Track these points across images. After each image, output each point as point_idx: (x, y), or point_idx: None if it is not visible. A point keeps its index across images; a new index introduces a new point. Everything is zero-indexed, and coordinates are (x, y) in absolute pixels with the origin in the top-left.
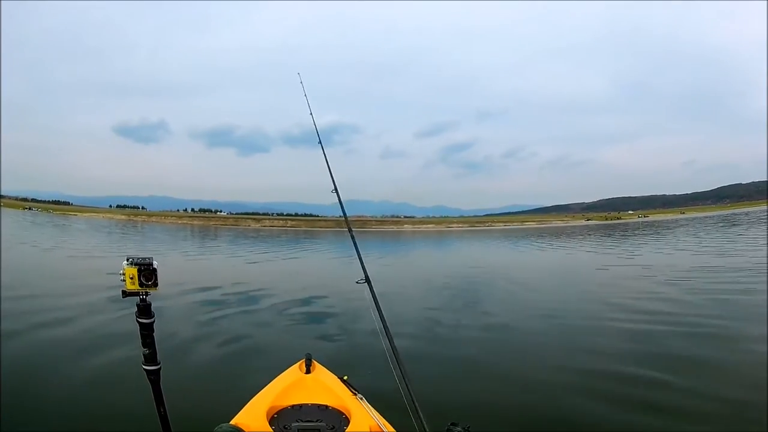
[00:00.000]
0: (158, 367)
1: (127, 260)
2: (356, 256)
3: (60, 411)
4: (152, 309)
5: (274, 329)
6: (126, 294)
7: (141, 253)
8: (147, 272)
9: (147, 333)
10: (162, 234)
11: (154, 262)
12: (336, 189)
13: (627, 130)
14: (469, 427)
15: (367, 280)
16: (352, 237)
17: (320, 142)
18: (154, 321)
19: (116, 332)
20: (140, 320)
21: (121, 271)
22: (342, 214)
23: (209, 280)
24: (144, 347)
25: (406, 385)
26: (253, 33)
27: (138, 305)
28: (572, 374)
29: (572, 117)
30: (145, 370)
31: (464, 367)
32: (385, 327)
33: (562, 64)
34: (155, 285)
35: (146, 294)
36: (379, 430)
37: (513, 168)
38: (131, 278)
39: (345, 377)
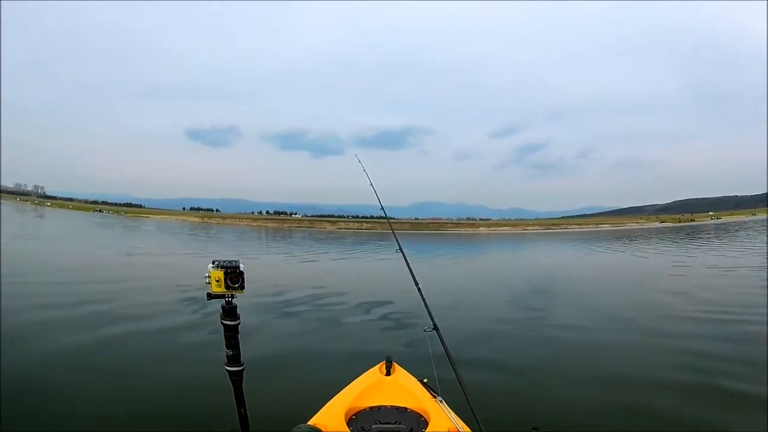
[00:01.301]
0: (241, 368)
1: (213, 263)
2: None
3: (136, 409)
4: (238, 311)
5: (355, 331)
6: (211, 296)
7: (215, 255)
8: (234, 275)
9: (231, 335)
10: (231, 235)
11: (241, 265)
12: (381, 204)
13: (695, 129)
14: None
15: (435, 328)
16: (403, 253)
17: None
18: (239, 323)
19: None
20: (225, 322)
21: (206, 274)
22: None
23: (289, 282)
24: (228, 348)
25: (465, 396)
26: (320, 37)
27: (223, 307)
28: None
29: (642, 116)
30: (227, 371)
31: (544, 372)
32: (455, 370)
33: (629, 63)
34: (242, 288)
35: (232, 297)
36: None
37: (586, 169)
38: (217, 281)
39: (425, 380)
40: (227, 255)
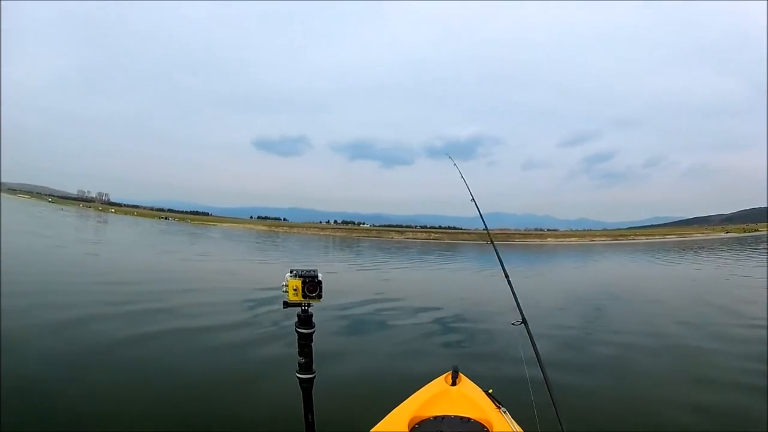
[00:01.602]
0: (313, 376)
1: (291, 272)
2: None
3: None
4: (313, 320)
5: (424, 340)
6: (287, 305)
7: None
8: (311, 284)
9: (305, 343)
10: (296, 244)
11: (319, 275)
12: (476, 204)
13: (762, 134)
14: None
15: (524, 321)
16: (500, 260)
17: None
18: (314, 331)
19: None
20: (300, 330)
21: (284, 283)
22: (484, 228)
23: (358, 291)
24: (300, 356)
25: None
26: (392, 48)
27: (299, 315)
28: None
29: (711, 122)
30: (298, 378)
31: (619, 386)
32: (544, 373)
33: (700, 68)
34: (319, 297)
35: (308, 305)
36: None
37: (654, 178)
38: (294, 290)
39: (490, 390)
40: (292, 263)
